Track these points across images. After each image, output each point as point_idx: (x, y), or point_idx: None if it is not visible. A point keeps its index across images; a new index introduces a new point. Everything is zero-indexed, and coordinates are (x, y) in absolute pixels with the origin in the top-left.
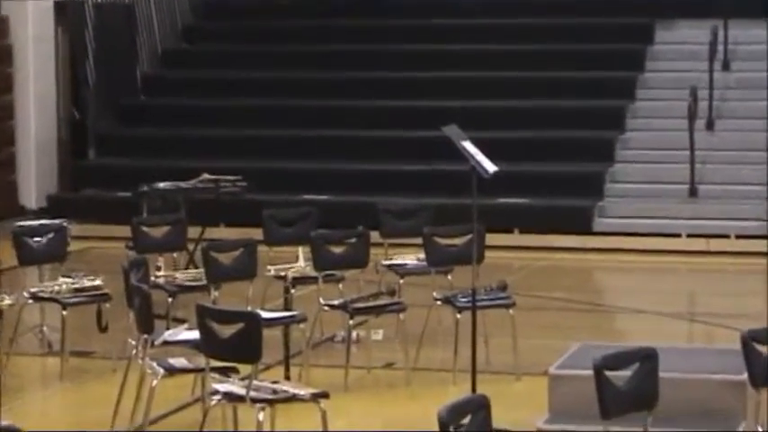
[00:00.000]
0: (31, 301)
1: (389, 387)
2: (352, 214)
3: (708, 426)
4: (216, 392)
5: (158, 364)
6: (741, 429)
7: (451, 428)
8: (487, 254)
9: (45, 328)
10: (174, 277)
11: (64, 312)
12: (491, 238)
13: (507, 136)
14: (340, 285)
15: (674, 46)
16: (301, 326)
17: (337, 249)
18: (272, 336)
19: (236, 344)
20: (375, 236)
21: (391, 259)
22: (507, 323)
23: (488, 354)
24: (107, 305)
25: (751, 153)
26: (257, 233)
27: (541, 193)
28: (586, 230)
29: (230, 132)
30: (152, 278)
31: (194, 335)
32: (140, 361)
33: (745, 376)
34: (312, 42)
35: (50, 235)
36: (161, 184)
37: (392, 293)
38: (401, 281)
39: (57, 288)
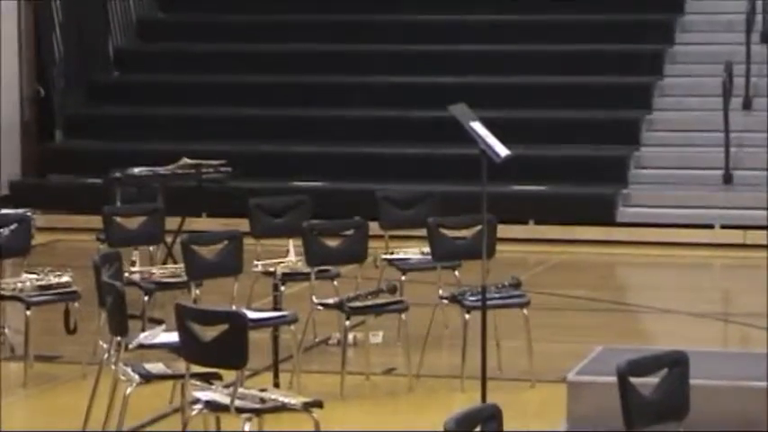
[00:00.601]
0: None
1: (390, 395)
2: (348, 203)
3: None
4: (197, 401)
5: (133, 370)
6: None
7: None
8: (499, 247)
9: (7, 330)
10: (151, 273)
11: (28, 312)
12: (503, 230)
13: (521, 116)
14: (335, 282)
15: (706, 16)
16: (292, 327)
17: (332, 242)
18: (259, 338)
19: (219, 347)
20: (374, 227)
21: (392, 253)
22: (521, 324)
23: (500, 358)
24: (76, 304)
25: None
26: (243, 224)
27: (559, 179)
28: (609, 221)
29: (213, 112)
30: (126, 274)
31: (173, 337)
32: (113, 366)
33: None
34: (306, 11)
35: (13, 226)
36: (136, 170)
37: (393, 291)
38: (403, 277)
39: (20, 285)
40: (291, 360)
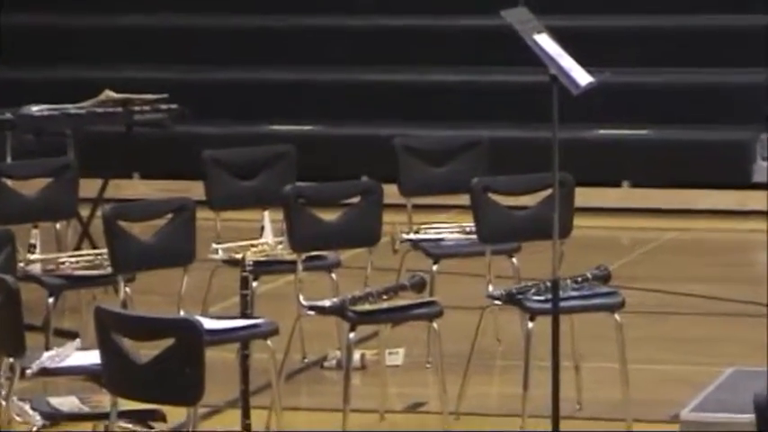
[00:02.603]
0: None
1: None
2: (352, 156)
3: None
4: None
5: (33, 407)
6: None
7: None
8: (578, 222)
9: None
10: (59, 263)
11: None
12: (584, 196)
13: (611, 25)
14: (333, 275)
15: None
16: (270, 342)
17: (328, 215)
18: (221, 359)
19: (161, 373)
20: (391, 192)
21: (418, 231)
22: (611, 336)
23: (580, 387)
24: None
25: None
26: (196, 189)
27: (667, 120)
28: (742, 181)
29: (148, 22)
30: (21, 264)
31: (92, 358)
32: (3, 402)
33: None
34: None
35: None
36: (35, 108)
37: (420, 288)
38: (435, 267)
39: None
40: (269, 391)
